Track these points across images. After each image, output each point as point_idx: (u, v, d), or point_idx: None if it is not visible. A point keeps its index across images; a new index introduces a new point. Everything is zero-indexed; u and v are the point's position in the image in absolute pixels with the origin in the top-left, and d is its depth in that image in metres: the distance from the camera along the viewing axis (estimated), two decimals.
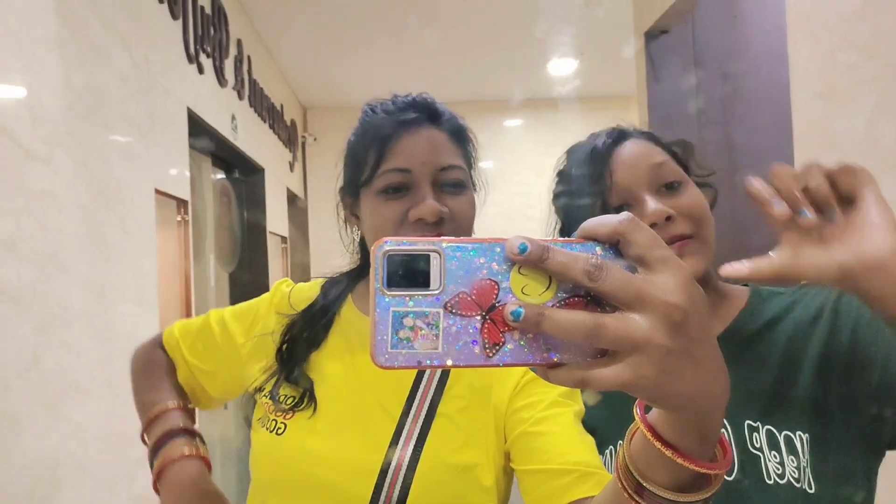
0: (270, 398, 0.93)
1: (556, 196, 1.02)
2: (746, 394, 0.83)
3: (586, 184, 0.93)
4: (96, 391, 2.02)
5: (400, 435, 0.86)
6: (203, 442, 0.98)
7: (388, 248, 0.38)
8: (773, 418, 0.82)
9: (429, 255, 0.38)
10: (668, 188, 0.89)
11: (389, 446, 0.85)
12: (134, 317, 2.35)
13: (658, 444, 0.44)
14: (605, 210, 0.90)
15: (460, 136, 0.96)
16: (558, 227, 1.02)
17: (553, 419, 0.82)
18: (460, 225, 0.91)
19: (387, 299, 0.37)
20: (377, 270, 0.37)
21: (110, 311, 2.16)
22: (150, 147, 2.61)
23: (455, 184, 0.91)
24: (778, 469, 0.80)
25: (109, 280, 2.16)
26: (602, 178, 0.90)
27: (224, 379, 1.05)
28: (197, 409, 1.10)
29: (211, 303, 3.82)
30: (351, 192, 0.97)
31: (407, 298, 0.37)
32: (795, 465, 0.79)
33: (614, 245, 0.39)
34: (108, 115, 2.24)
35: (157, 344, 1.11)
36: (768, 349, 0.87)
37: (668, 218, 0.85)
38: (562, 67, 5.72)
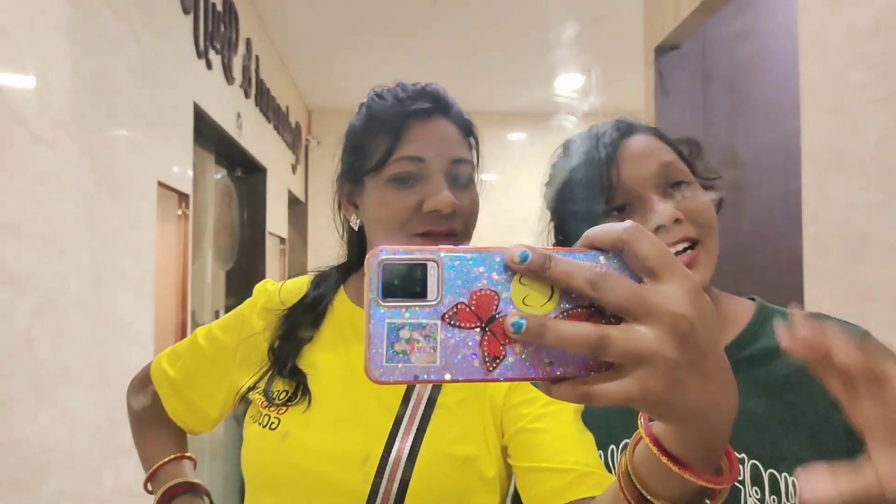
0: (264, 395, 0.91)
1: (551, 192, 0.96)
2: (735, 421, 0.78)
3: (588, 180, 0.87)
4: (87, 379, 2.00)
5: (399, 427, 0.84)
6: (208, 495, 1.00)
7: (383, 258, 0.36)
8: (761, 454, 0.78)
9: (426, 265, 0.36)
10: (675, 189, 0.83)
11: (388, 438, 0.83)
12: (130, 307, 2.33)
13: (664, 459, 0.43)
14: (607, 209, 0.85)
15: (468, 131, 0.95)
16: (552, 225, 0.97)
17: (552, 416, 0.80)
18: (467, 221, 0.89)
19: (382, 310, 0.36)
20: (372, 280, 0.36)
21: (107, 299, 2.14)
22: (155, 139, 2.61)
23: (465, 177, 0.89)
24: None
25: (108, 268, 2.15)
26: (607, 174, 0.84)
27: (224, 394, 1.02)
28: None
29: (206, 300, 3.81)
30: (353, 178, 0.94)
31: (403, 310, 0.36)
32: None
33: (618, 254, 0.38)
34: (116, 103, 2.24)
35: (147, 379, 1.07)
36: (767, 380, 0.81)
37: (677, 220, 0.80)
38: (568, 82, 5.74)
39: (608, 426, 0.86)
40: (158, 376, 1.05)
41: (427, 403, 0.86)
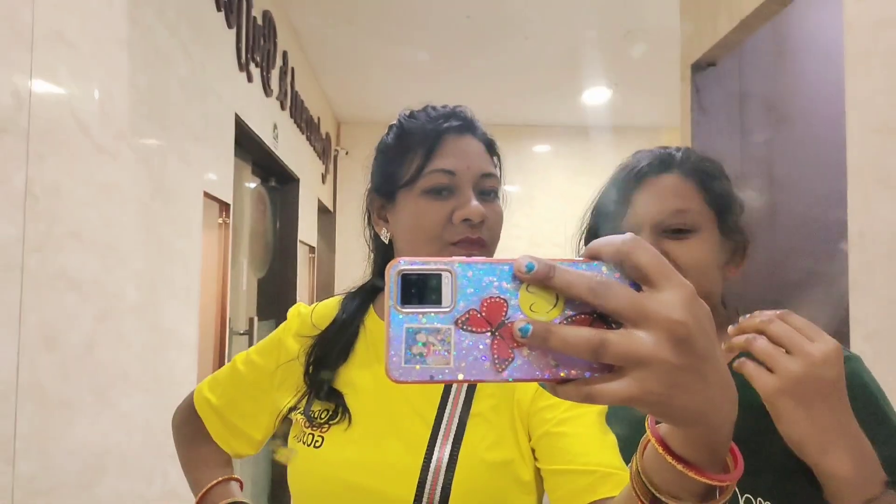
0: (305, 415, 0.96)
1: (595, 206, 1.04)
2: None
3: (611, 207, 0.97)
4: (142, 383, 2.06)
5: (437, 437, 0.88)
6: None
7: (402, 268, 0.39)
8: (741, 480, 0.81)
9: (441, 274, 0.39)
10: (676, 233, 0.90)
11: (427, 448, 0.87)
12: (178, 314, 2.39)
13: (669, 458, 0.45)
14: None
15: (492, 149, 1.01)
16: (584, 236, 1.05)
17: (575, 420, 0.84)
18: (493, 232, 0.95)
19: (401, 316, 0.39)
20: (392, 288, 0.39)
21: (159, 306, 2.20)
22: (202, 150, 2.68)
23: (491, 191, 0.96)
24: None
25: (160, 276, 2.21)
26: (622, 207, 0.94)
27: (266, 416, 1.07)
28: None
29: (241, 307, 3.87)
30: (384, 193, 0.99)
31: (420, 315, 0.39)
32: None
33: (619, 264, 0.40)
34: (168, 116, 2.31)
35: (190, 407, 1.13)
36: (748, 402, 0.84)
37: None
38: (595, 96, 5.78)
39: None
40: (201, 403, 1.11)
41: (462, 412, 0.90)
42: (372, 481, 0.87)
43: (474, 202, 0.91)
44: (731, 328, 0.76)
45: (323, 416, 0.94)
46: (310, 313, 1.08)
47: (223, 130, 3.01)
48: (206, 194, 2.75)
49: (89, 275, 1.75)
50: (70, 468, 1.65)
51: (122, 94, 1.96)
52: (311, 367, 1.00)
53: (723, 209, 0.94)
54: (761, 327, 0.71)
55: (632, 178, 0.96)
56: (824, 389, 0.67)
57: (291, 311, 1.11)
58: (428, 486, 0.84)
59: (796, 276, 2.65)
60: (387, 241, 1.01)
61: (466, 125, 0.97)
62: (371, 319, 1.03)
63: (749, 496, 0.82)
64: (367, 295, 1.06)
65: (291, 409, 0.99)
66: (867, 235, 1.62)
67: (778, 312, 0.73)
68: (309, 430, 0.94)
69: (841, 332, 1.89)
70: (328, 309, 1.07)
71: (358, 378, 0.97)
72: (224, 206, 3.10)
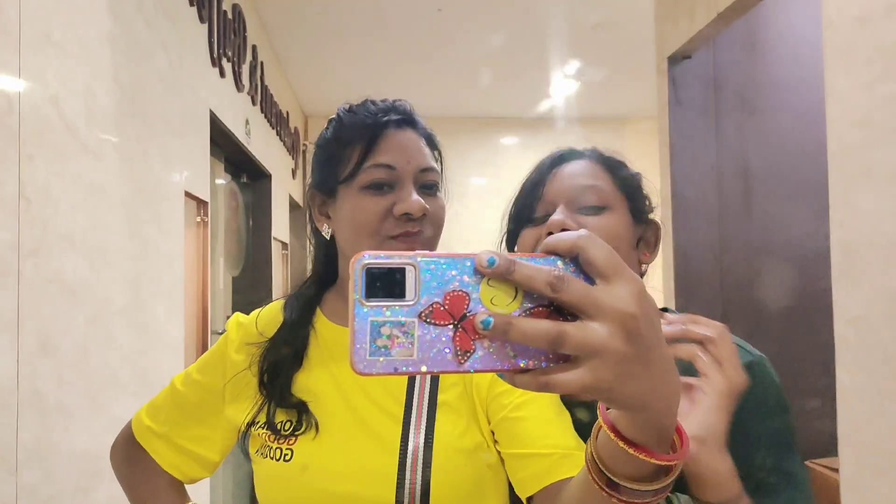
0: (268, 428, 0.92)
1: (514, 199, 1.07)
2: None
3: (526, 195, 1.01)
4: (132, 386, 2.03)
5: (408, 432, 0.88)
6: None
7: (367, 262, 0.40)
8: None
9: (405, 268, 0.40)
10: (589, 210, 0.94)
11: (401, 445, 0.87)
12: (165, 314, 2.36)
13: (620, 443, 0.48)
14: (533, 218, 0.98)
15: (433, 143, 1.00)
16: (504, 234, 1.07)
17: (531, 404, 0.86)
18: (435, 226, 0.95)
19: (365, 310, 0.39)
20: (356, 282, 0.39)
21: (145, 307, 2.17)
22: (181, 147, 2.64)
23: (432, 185, 0.96)
24: None
25: (146, 277, 2.18)
26: (538, 191, 0.99)
27: (221, 435, 1.03)
28: None
29: (219, 306, 3.82)
30: (325, 189, 0.97)
31: (384, 309, 0.39)
32: None
33: (574, 259, 0.42)
34: (149, 113, 2.27)
35: (130, 440, 1.07)
36: None
37: (556, 230, 0.90)
38: (563, 88, 5.83)
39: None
40: (143, 433, 1.04)
41: (429, 404, 0.90)
42: (350, 487, 0.86)
43: (415, 196, 0.90)
44: (671, 328, 0.79)
45: (287, 427, 0.91)
46: (253, 322, 1.04)
47: (199, 127, 2.97)
48: (186, 192, 2.71)
49: (81, 278, 1.72)
50: (69, 475, 1.63)
51: (106, 92, 1.92)
52: (265, 376, 0.97)
53: (631, 193, 1.00)
54: (704, 342, 0.78)
55: (546, 166, 1.01)
56: (727, 410, 0.75)
57: (230, 323, 1.06)
58: (407, 483, 0.84)
59: (770, 265, 2.73)
60: (328, 238, 1.00)
61: (406, 119, 0.96)
62: (320, 322, 1.01)
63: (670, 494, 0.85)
64: (312, 297, 1.04)
65: (251, 424, 0.95)
66: (849, 224, 1.68)
67: (716, 331, 0.77)
68: (276, 445, 0.91)
69: (819, 319, 1.97)
70: (272, 314, 1.04)
71: (316, 384, 0.95)
72: (202, 204, 3.06)
